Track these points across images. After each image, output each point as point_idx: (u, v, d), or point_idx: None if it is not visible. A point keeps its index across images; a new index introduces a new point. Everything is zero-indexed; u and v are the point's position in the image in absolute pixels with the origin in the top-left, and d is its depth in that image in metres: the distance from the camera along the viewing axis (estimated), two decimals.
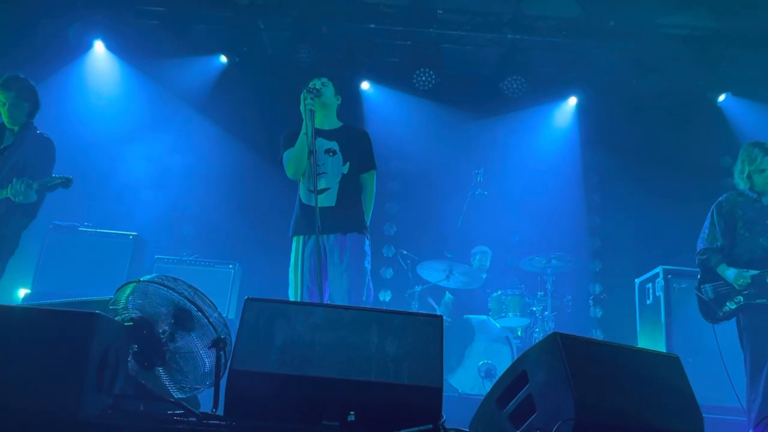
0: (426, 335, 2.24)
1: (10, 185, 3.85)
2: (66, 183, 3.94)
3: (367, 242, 3.91)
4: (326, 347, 2.17)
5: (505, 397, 2.39)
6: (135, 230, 6.21)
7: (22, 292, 5.85)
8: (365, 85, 7.49)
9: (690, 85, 7.17)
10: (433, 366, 2.19)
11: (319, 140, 3.86)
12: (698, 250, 4.24)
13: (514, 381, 2.38)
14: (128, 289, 2.32)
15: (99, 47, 7.05)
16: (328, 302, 3.70)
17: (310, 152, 3.69)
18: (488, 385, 5.22)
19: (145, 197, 6.89)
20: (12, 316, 2.07)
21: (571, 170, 7.59)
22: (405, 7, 6.88)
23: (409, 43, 7.22)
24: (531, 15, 6.89)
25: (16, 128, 4.15)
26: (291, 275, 3.85)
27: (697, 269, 4.28)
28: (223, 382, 2.18)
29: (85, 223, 6.14)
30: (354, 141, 4.00)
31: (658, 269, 5.61)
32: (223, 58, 7.24)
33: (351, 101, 7.05)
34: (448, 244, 6.35)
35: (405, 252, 6.40)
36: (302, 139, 3.77)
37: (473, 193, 6.32)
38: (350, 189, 3.90)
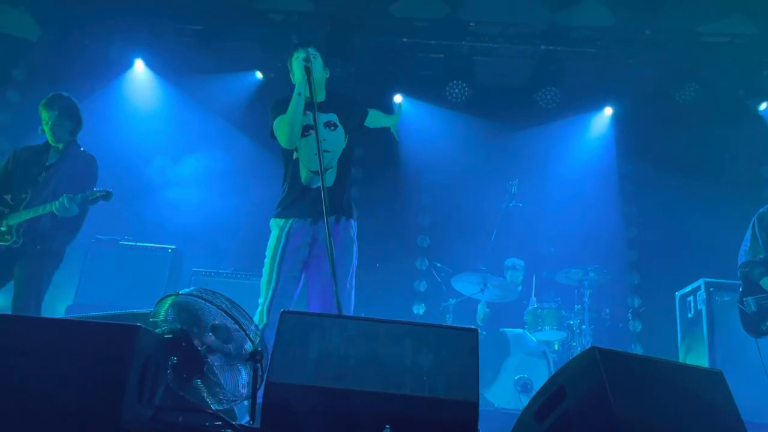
0: (461, 349, 2.23)
1: (55, 201, 3.99)
2: (106, 196, 4.05)
3: (355, 224, 3.67)
4: (361, 360, 2.18)
5: (542, 412, 2.36)
6: (173, 244, 6.33)
7: (64, 306, 6.00)
8: (398, 98, 7.53)
9: (730, 93, 7.02)
10: (468, 380, 2.17)
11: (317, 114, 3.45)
12: (740, 262, 4.15)
13: (551, 396, 2.34)
14: (168, 302, 2.36)
15: (139, 65, 7.27)
16: (309, 290, 3.53)
17: (306, 111, 3.39)
18: (525, 400, 5.15)
19: (182, 211, 7.02)
20: (56, 328, 2.13)
21: (607, 181, 7.48)
22: (437, 20, 6.91)
23: (441, 55, 7.24)
24: (564, 26, 6.83)
25: (60, 146, 4.30)
26: (267, 262, 3.50)
27: (740, 281, 4.18)
28: (259, 395, 2.21)
29: (126, 237, 6.29)
30: (347, 106, 3.75)
31: (700, 282, 5.47)
32: (259, 74, 7.40)
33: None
34: (483, 256, 6.30)
35: (439, 265, 6.37)
36: (296, 99, 3.45)
37: (508, 205, 6.27)
38: (346, 167, 3.67)
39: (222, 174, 7.31)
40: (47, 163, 4.24)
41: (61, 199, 3.94)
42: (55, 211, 3.96)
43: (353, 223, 3.66)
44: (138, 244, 6.27)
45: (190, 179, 7.17)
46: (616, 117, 7.51)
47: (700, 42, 6.74)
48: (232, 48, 7.06)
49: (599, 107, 7.52)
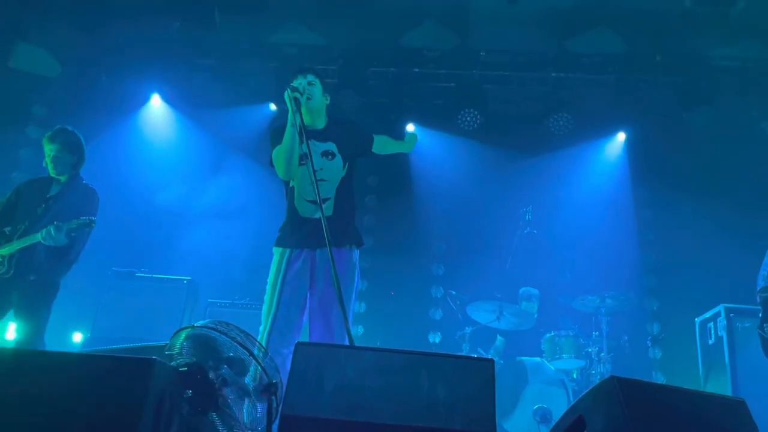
0: (477, 379, 2.20)
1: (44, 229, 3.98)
2: (90, 224, 4.04)
3: (357, 253, 3.59)
4: (376, 392, 2.16)
5: None
6: (189, 275, 6.36)
7: (77, 337, 6.03)
8: (410, 128, 7.57)
9: (743, 116, 6.99)
10: (485, 411, 2.15)
11: (312, 143, 3.41)
12: (759, 288, 4.08)
13: (571, 426, 2.30)
14: (183, 335, 2.37)
15: (156, 100, 7.42)
16: (310, 320, 3.44)
17: (301, 142, 3.31)
18: (544, 430, 5.06)
19: (198, 242, 7.06)
20: (72, 362, 2.14)
21: (622, 206, 7.43)
22: (448, 50, 6.98)
23: (453, 84, 7.30)
24: (575, 53, 6.87)
25: (63, 178, 4.34)
26: (268, 290, 3.50)
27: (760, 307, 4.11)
28: (274, 427, 2.19)
29: (142, 269, 6.33)
30: (348, 134, 3.66)
31: (719, 308, 5.38)
32: (273, 106, 7.51)
33: None
34: (498, 284, 6.25)
35: (454, 293, 6.32)
36: (290, 131, 3.37)
37: (522, 232, 6.24)
38: (346, 195, 3.59)
39: (237, 204, 7.36)
40: (48, 195, 4.27)
41: (48, 227, 3.93)
42: (41, 239, 3.95)
43: (355, 251, 3.57)
44: (154, 275, 6.31)
45: (206, 210, 7.23)
46: (629, 142, 7.50)
47: (711, 66, 6.74)
48: (247, 81, 7.18)
49: (612, 132, 7.51)
